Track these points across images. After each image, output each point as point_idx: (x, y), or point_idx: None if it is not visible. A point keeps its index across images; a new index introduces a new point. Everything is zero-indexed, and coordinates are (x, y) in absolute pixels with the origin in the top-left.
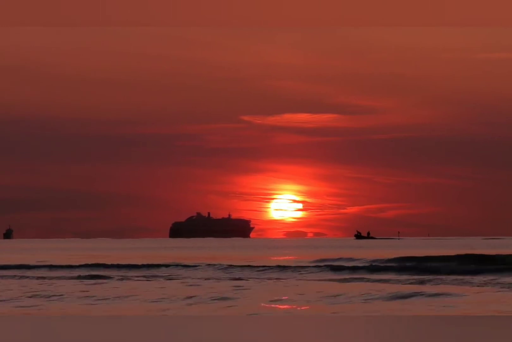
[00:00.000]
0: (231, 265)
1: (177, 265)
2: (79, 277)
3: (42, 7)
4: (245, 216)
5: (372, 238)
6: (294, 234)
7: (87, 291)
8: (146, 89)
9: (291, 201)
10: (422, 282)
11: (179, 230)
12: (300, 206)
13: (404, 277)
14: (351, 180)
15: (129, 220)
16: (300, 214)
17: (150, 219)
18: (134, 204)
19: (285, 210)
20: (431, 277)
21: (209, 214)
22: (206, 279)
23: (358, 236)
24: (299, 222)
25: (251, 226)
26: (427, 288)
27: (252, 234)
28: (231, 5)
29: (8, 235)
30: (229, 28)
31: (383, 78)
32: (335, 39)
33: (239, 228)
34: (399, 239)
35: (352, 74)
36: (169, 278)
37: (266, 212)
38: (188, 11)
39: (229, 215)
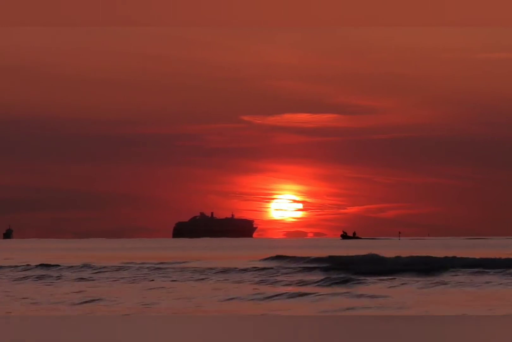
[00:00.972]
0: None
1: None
2: None
3: (42, 7)
4: (245, 216)
5: (357, 238)
6: (294, 234)
7: None
8: (146, 89)
9: (291, 201)
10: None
11: (182, 230)
12: (300, 206)
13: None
14: (351, 180)
15: (129, 220)
16: (300, 214)
17: (150, 219)
18: (134, 204)
19: (285, 210)
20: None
21: (212, 214)
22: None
23: (344, 236)
24: (299, 222)
25: (254, 226)
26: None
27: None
28: (231, 5)
29: (8, 235)
30: (229, 28)
31: (383, 78)
32: (335, 39)
33: (242, 228)
34: (399, 239)
35: (352, 74)
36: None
37: (266, 212)
38: (188, 11)
39: (232, 215)
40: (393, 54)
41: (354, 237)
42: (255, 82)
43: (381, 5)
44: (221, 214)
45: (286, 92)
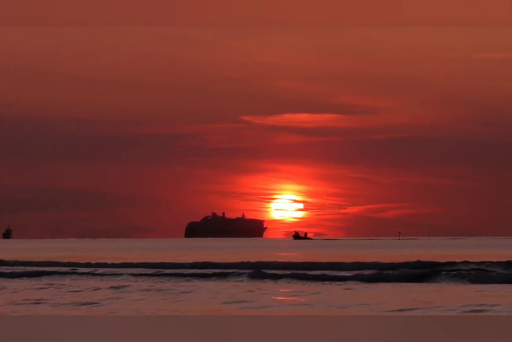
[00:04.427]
0: None
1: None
2: None
3: (42, 7)
4: (239, 215)
5: (308, 238)
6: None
7: None
8: (146, 89)
9: (291, 201)
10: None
11: (194, 230)
12: (300, 205)
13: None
14: (352, 179)
15: (129, 220)
16: (300, 214)
17: (149, 219)
18: (134, 204)
19: (286, 210)
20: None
21: (223, 214)
22: None
23: (296, 237)
24: (300, 222)
25: (264, 226)
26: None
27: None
28: (232, 6)
29: (7, 235)
30: (229, 28)
31: (383, 78)
32: (335, 39)
33: (252, 228)
34: (399, 239)
35: (352, 74)
36: None
37: (266, 212)
38: (189, 12)
39: (243, 215)
40: (393, 54)
41: (305, 237)
42: (255, 82)
43: (381, 5)
44: (227, 214)
45: (286, 92)
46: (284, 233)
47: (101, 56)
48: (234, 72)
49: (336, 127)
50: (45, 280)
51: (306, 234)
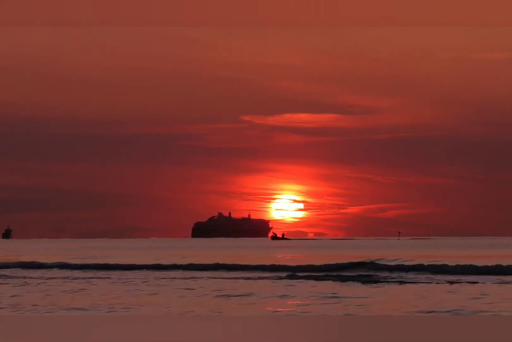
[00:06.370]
0: None
1: None
2: None
3: (42, 7)
4: (244, 215)
5: (286, 239)
6: (294, 233)
7: None
8: (147, 89)
9: (291, 201)
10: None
11: (201, 230)
12: (301, 205)
13: None
14: (352, 179)
15: (131, 220)
16: (301, 214)
17: (151, 219)
18: (135, 204)
19: (286, 210)
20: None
21: (230, 214)
22: None
23: (274, 237)
24: (300, 222)
25: (270, 226)
26: None
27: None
28: (232, 6)
29: (7, 234)
30: (230, 28)
31: (383, 78)
32: (335, 39)
33: (258, 228)
34: (398, 239)
35: (352, 74)
36: None
37: (267, 211)
38: (189, 12)
39: (249, 215)
40: (393, 54)
41: (282, 238)
42: (255, 82)
43: (382, 5)
44: (233, 214)
45: (286, 92)
46: (285, 233)
47: (102, 57)
48: (234, 72)
49: (336, 127)
50: None
51: (283, 235)
